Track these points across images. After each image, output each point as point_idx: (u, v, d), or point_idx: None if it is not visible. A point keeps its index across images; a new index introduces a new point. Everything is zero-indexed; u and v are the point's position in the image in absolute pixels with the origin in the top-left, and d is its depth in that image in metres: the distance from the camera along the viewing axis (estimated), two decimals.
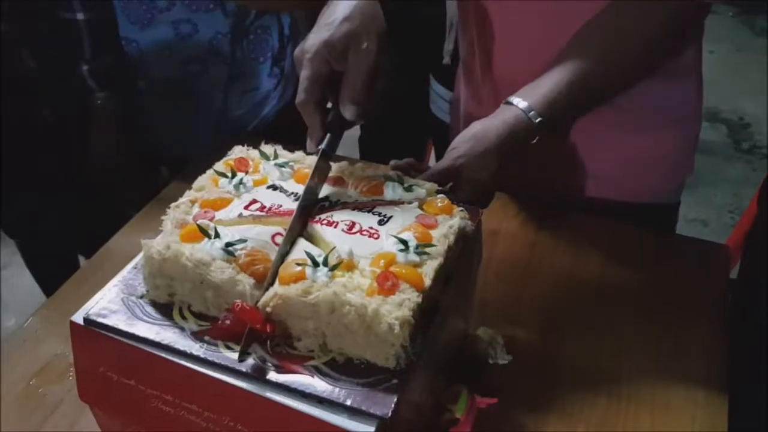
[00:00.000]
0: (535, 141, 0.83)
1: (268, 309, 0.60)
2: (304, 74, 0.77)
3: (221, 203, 0.69)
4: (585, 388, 0.84)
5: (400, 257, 0.64)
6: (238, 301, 0.60)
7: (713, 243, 1.06)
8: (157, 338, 0.62)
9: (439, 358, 0.72)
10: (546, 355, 0.88)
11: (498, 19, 1.02)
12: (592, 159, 1.10)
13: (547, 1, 0.94)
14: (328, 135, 0.77)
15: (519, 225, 1.09)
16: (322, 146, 0.76)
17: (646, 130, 1.08)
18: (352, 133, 0.97)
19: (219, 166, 0.75)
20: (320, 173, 0.74)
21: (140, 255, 0.69)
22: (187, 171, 1.08)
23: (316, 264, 0.62)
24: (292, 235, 0.67)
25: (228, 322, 0.60)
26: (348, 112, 0.77)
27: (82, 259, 1.72)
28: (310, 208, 0.71)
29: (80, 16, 1.15)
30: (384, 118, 1.35)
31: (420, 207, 0.72)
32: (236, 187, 0.71)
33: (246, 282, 0.61)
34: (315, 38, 0.77)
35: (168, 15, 1.23)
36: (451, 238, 0.68)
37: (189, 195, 0.71)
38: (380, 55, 0.78)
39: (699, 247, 1.06)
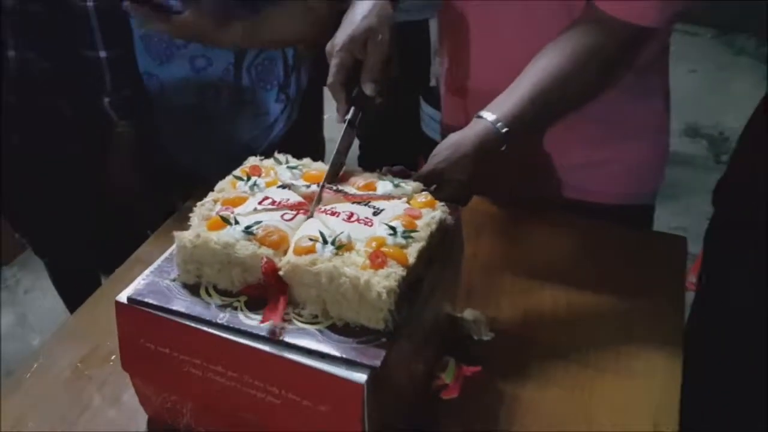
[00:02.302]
0: (504, 148, 0.94)
1: (281, 272, 0.71)
2: (333, 62, 0.93)
3: (239, 201, 0.81)
4: (558, 358, 0.94)
5: (390, 240, 0.75)
6: (265, 257, 0.72)
7: (673, 235, 1.17)
8: (187, 311, 0.73)
9: (426, 329, 0.82)
10: (524, 332, 0.99)
11: (473, 44, 1.15)
12: (573, 166, 1.21)
13: (515, 27, 1.07)
14: (352, 108, 0.93)
15: (503, 224, 1.20)
16: (348, 117, 0.93)
17: (618, 141, 1.20)
18: (352, 153, 1.09)
19: (236, 172, 0.87)
20: (346, 139, 0.91)
21: (172, 247, 0.81)
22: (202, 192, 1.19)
23: (325, 242, 0.73)
24: (330, 178, 0.85)
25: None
26: (368, 88, 0.93)
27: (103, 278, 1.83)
28: (338, 168, 0.87)
29: (102, 54, 1.27)
30: (380, 136, 1.47)
31: (408, 202, 0.83)
32: (251, 187, 0.83)
33: (265, 253, 0.72)
34: (341, 34, 0.94)
35: (185, 51, 1.35)
36: (434, 226, 0.79)
37: (212, 195, 0.82)
38: (392, 44, 0.94)
39: (661, 239, 1.17)
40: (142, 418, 0.87)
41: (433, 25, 1.45)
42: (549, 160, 1.22)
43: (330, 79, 0.93)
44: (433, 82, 1.52)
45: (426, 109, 1.57)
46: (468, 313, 0.98)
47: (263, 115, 1.50)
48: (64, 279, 1.80)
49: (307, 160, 0.91)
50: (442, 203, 0.85)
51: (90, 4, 1.18)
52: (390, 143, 1.69)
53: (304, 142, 1.57)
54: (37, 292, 2.34)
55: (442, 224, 0.81)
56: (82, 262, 1.70)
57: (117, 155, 1.41)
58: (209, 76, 1.38)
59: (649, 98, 1.20)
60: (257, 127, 1.50)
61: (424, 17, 1.47)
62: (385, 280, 0.70)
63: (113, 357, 0.95)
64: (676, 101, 1.26)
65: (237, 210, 0.80)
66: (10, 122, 1.30)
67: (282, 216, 0.79)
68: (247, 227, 0.76)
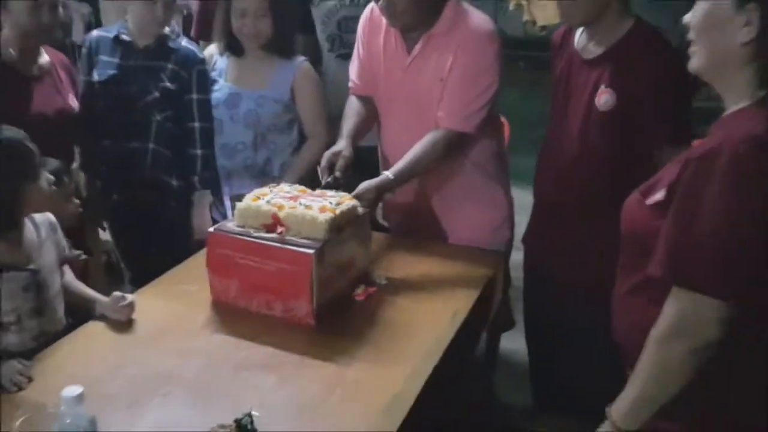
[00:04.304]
0: (392, 189, 1.90)
1: (281, 216, 1.64)
2: (323, 160, 1.91)
3: (265, 194, 1.75)
4: (412, 291, 1.82)
5: (328, 206, 1.68)
6: (275, 213, 1.64)
7: (495, 251, 2.07)
8: (240, 232, 1.65)
9: (345, 254, 1.72)
10: (400, 282, 1.86)
11: (389, 146, 2.15)
12: (450, 221, 2.15)
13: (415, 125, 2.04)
14: (330, 178, 1.88)
15: (402, 242, 2.11)
16: (328, 180, 1.88)
17: (475, 208, 2.14)
18: None
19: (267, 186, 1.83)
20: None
21: (230, 216, 1.74)
22: None
23: (300, 205, 1.66)
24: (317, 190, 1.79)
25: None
26: (337, 173, 1.89)
27: None
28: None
29: (197, 124, 2.27)
30: None
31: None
32: (270, 190, 1.78)
33: (273, 210, 1.65)
34: (329, 150, 1.95)
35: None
36: (350, 205, 1.72)
37: (255, 192, 1.76)
38: (350, 160, 1.91)
39: (490, 253, 2.07)
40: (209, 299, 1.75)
41: None
42: (438, 218, 2.16)
43: (321, 165, 1.92)
44: None
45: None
46: (375, 270, 1.88)
47: None
48: None
49: (299, 187, 1.86)
50: (360, 205, 1.79)
51: (194, 96, 2.21)
52: None
53: None
54: None
55: (354, 207, 1.74)
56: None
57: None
58: (248, 167, 2.35)
59: (492, 183, 2.16)
60: None
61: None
62: (324, 215, 1.62)
63: (193, 283, 1.83)
64: None
65: (264, 196, 1.74)
66: (138, 196, 2.28)
67: (284, 200, 1.72)
68: (267, 200, 1.69)
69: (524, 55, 5.51)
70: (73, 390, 1.11)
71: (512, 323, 2.33)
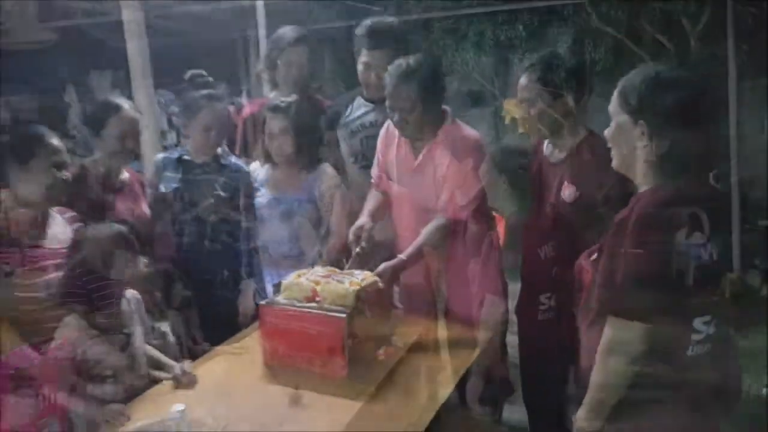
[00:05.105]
0: (405, 268, 2.36)
1: (318, 290, 2.09)
2: (351, 235, 2.41)
3: (305, 272, 2.21)
4: (423, 349, 2.23)
5: (355, 281, 2.13)
6: (313, 287, 2.10)
7: (488, 320, 2.49)
8: (284, 304, 2.10)
9: (370, 321, 2.15)
10: (415, 345, 2.28)
11: (401, 232, 2.62)
12: (456, 302, 2.58)
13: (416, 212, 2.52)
14: (359, 248, 2.35)
15: (415, 321, 2.54)
16: (357, 250, 2.35)
17: (470, 286, 2.58)
18: None
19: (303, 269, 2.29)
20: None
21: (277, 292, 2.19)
22: None
23: (334, 280, 2.12)
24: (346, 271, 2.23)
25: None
26: (363, 243, 2.36)
27: None
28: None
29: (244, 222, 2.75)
30: None
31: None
32: (308, 271, 2.24)
33: (313, 285, 2.10)
34: (352, 226, 2.44)
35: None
36: (371, 280, 2.17)
37: (295, 272, 2.23)
38: (372, 228, 2.40)
39: (481, 322, 2.49)
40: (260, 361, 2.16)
41: None
42: (443, 296, 2.60)
43: (349, 240, 2.41)
44: None
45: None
46: (396, 335, 2.30)
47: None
48: None
49: (330, 267, 2.32)
50: (380, 281, 2.24)
51: (241, 202, 2.70)
52: None
53: None
54: None
55: (376, 282, 2.19)
56: None
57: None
58: (286, 257, 2.82)
59: (487, 265, 2.60)
60: None
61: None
62: (352, 288, 2.07)
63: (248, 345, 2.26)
64: None
65: (304, 275, 2.20)
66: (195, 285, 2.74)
67: (320, 277, 2.18)
68: (307, 278, 2.15)
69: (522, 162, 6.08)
70: (178, 406, 1.53)
71: (511, 390, 2.70)
